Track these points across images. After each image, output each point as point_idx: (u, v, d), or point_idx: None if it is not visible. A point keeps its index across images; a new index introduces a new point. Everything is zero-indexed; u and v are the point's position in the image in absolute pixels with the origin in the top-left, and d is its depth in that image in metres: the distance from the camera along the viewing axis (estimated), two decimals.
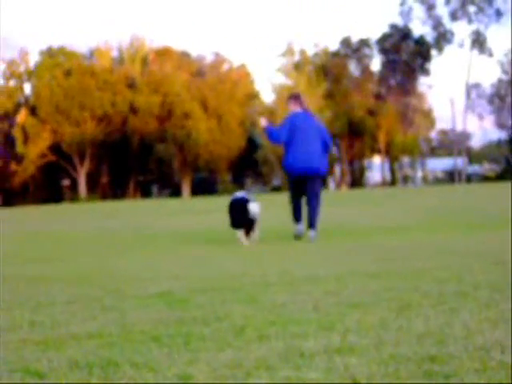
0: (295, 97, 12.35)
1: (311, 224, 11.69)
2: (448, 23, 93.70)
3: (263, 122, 12.27)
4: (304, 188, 11.90)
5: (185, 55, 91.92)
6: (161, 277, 6.80)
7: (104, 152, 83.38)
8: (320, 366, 3.14)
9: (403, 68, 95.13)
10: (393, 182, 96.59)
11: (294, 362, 3.22)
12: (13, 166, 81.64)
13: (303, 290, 5.40)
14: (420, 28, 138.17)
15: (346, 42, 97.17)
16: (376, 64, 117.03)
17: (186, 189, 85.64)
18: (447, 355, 3.20)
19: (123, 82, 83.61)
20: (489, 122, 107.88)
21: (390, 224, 14.79)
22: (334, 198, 40.58)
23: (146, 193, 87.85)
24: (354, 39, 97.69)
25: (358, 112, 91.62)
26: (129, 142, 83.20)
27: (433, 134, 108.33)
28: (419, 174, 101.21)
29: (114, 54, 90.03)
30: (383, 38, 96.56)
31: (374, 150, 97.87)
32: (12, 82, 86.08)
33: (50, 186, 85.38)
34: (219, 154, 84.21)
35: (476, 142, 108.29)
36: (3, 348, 3.82)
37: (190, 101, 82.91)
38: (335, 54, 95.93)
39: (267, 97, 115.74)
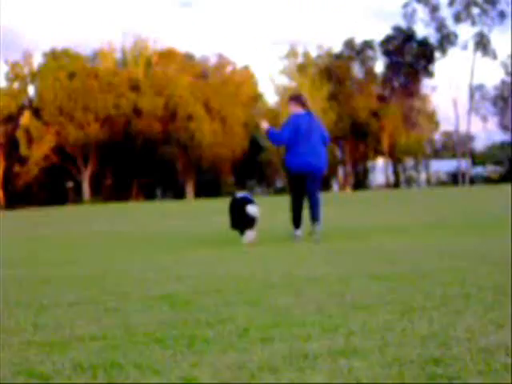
0: (295, 98, 12.37)
1: (315, 218, 11.75)
2: (452, 25, 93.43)
3: (264, 124, 12.31)
4: (304, 187, 11.92)
5: (188, 57, 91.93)
6: (164, 279, 6.80)
7: (108, 154, 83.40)
8: (324, 368, 3.14)
9: (407, 70, 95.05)
10: (396, 184, 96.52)
11: (297, 364, 3.22)
12: (16, 168, 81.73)
13: (307, 292, 5.40)
14: (423, 30, 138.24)
15: (349, 44, 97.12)
16: (379, 66, 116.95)
17: (189, 191, 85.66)
18: (451, 357, 3.20)
19: (127, 84, 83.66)
20: (492, 123, 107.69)
21: (393, 226, 14.78)
22: (337, 200, 40.56)
23: (149, 195, 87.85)
24: (358, 41, 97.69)
25: (362, 114, 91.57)
26: (132, 144, 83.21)
27: (436, 136, 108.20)
28: (423, 175, 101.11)
29: (118, 56, 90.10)
30: (387, 40, 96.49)
31: (378, 152, 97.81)
32: (16, 84, 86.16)
33: (53, 188, 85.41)
34: (223, 156, 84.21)
35: (479, 144, 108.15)
36: (7, 350, 3.83)
37: (193, 103, 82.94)
38: (339, 56, 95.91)
39: (271, 99, 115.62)
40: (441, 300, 4.73)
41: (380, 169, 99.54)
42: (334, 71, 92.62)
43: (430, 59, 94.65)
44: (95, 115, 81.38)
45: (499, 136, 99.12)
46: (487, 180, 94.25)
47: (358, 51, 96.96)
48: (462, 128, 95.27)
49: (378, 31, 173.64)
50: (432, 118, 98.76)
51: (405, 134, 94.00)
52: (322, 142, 12.07)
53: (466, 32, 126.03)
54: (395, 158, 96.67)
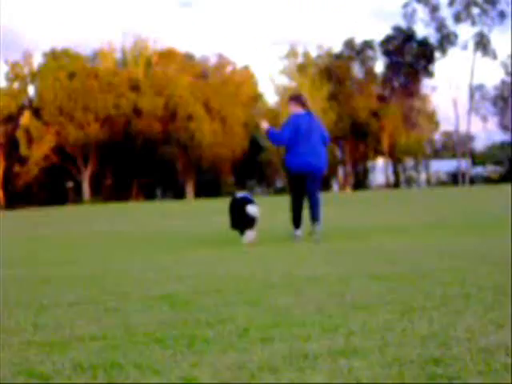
0: (295, 98, 12.39)
1: (315, 218, 11.77)
2: (452, 25, 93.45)
3: (264, 124, 12.33)
4: (304, 187, 11.93)
5: (188, 57, 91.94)
6: (164, 279, 6.80)
7: (108, 154, 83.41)
8: (324, 368, 3.14)
9: (407, 70, 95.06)
10: (396, 184, 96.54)
11: (297, 364, 3.22)
12: (16, 168, 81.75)
13: (307, 292, 5.40)
14: (423, 30, 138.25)
15: (349, 44, 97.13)
16: (379, 66, 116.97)
17: (189, 191, 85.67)
18: (451, 357, 3.20)
19: (127, 84, 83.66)
20: (492, 123, 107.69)
21: (393, 226, 14.78)
22: (337, 200, 40.56)
23: (149, 195, 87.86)
24: (358, 41, 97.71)
25: (362, 114, 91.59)
26: (132, 144, 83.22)
27: (436, 136, 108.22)
28: (423, 175, 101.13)
29: (118, 56, 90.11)
30: (387, 40, 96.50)
31: (378, 152, 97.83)
32: (16, 84, 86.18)
33: (53, 188, 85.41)
34: (223, 156, 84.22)
35: (479, 144, 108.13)
36: (7, 350, 3.83)
37: (193, 103, 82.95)
38: (339, 56, 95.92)
39: (271, 99, 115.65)
40: (441, 300, 4.74)
41: (380, 169, 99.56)
42: (334, 71, 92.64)
43: (430, 59, 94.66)
44: (95, 115, 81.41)
45: (499, 136, 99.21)
46: (487, 180, 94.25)
47: (358, 51, 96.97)
48: (462, 128, 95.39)
49: (377, 31, 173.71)
50: (432, 118, 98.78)
51: (405, 134, 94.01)
52: (322, 142, 12.09)
53: (466, 32, 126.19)
54: (395, 158, 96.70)
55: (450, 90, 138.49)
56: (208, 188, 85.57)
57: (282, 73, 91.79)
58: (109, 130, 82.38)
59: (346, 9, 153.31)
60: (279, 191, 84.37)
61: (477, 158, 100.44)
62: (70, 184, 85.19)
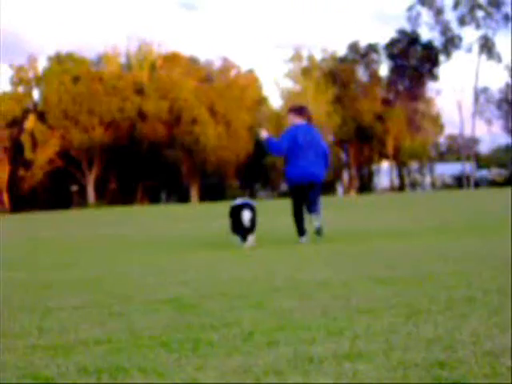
0: (296, 109, 12.45)
1: (314, 210, 11.89)
2: (456, 28, 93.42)
3: (264, 133, 12.41)
4: (305, 196, 12.05)
5: (193, 61, 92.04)
6: (169, 283, 6.80)
7: (112, 158, 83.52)
8: (329, 371, 3.14)
9: (411, 73, 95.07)
10: (401, 188, 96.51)
11: (302, 368, 3.22)
12: (21, 172, 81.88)
13: (311, 296, 5.40)
14: (428, 33, 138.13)
15: (353, 47, 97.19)
16: (384, 69, 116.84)
17: (194, 194, 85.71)
18: (456, 361, 3.19)
19: (131, 88, 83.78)
20: (497, 126, 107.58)
21: (397, 229, 14.78)
22: (342, 204, 40.56)
23: (154, 198, 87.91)
24: (362, 44, 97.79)
25: (366, 117, 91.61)
26: (137, 148, 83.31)
27: (441, 139, 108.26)
28: (427, 179, 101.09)
29: (122, 59, 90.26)
30: (391, 43, 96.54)
31: (383, 155, 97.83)
32: (21, 88, 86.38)
33: (58, 191, 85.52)
34: (227, 160, 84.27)
35: (484, 147, 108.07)
36: (12, 354, 3.83)
37: (198, 106, 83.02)
38: (343, 60, 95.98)
39: (275, 102, 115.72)
40: (446, 303, 4.73)
41: (385, 172, 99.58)
42: (339, 74, 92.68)
43: (434, 62, 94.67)
44: (100, 119, 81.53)
45: (504, 139, 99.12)
46: (492, 183, 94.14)
47: (362, 54, 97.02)
48: (467, 131, 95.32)
49: (382, 34, 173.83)
50: (437, 121, 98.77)
51: (409, 137, 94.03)
52: (321, 154, 12.16)
53: (470, 35, 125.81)
54: (400, 161, 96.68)
55: (455, 93, 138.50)
56: (213, 191, 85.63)
57: (287, 76, 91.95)
58: (113, 134, 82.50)
59: (350, 12, 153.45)
60: (283, 195, 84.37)
61: (481, 161, 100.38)
62: (75, 188, 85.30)
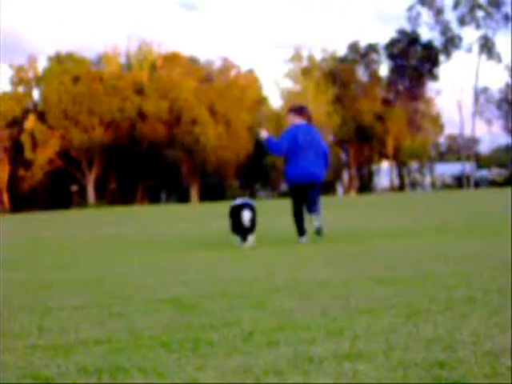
0: (296, 109, 12.48)
1: (314, 210, 11.94)
2: (456, 28, 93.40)
3: (264, 133, 12.44)
4: (305, 196, 12.07)
5: (193, 61, 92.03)
6: (169, 283, 6.80)
7: (112, 158, 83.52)
8: (329, 371, 3.14)
9: (411, 73, 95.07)
10: (401, 188, 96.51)
11: (302, 368, 3.22)
12: (21, 172, 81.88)
13: (311, 296, 5.40)
14: (428, 33, 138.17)
15: (353, 48, 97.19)
16: (384, 69, 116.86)
17: (194, 194, 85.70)
18: (456, 361, 3.19)
19: (131, 88, 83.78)
20: (497, 126, 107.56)
21: (397, 229, 14.78)
22: (342, 204, 40.55)
23: (154, 198, 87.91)
24: (362, 44, 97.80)
25: (366, 117, 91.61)
26: (137, 148, 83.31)
27: (441, 139, 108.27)
28: (427, 179, 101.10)
29: (122, 59, 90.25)
30: (391, 43, 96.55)
31: (383, 155, 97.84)
32: (20, 88, 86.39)
33: (58, 191, 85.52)
34: (227, 160, 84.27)
35: (484, 147, 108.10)
36: (12, 354, 3.83)
37: (198, 106, 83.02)
38: (343, 60, 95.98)
39: (275, 102, 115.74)
40: (446, 303, 4.73)
41: (385, 172, 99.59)
42: (339, 74, 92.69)
43: (434, 62, 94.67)
44: (100, 119, 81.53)
45: (504, 139, 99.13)
46: (492, 183, 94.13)
47: (362, 54, 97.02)
48: (467, 131, 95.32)
49: (382, 34, 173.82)
50: (437, 121, 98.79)
51: (409, 137, 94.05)
52: (321, 154, 12.17)
53: (470, 35, 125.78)
54: (400, 161, 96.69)
55: (455, 93, 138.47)
56: (213, 192, 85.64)
57: (287, 76, 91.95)
58: (113, 134, 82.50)
59: (350, 12, 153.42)
60: (284, 195, 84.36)
61: (481, 161, 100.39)
62: (75, 188, 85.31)
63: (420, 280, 6.01)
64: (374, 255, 8.83)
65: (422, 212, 24.64)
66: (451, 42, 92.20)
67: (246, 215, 11.47)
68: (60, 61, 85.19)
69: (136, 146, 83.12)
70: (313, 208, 12.06)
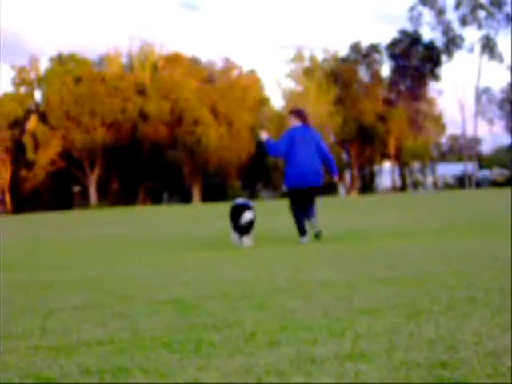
0: (295, 112, 12.59)
1: (311, 214, 12.07)
2: (458, 28, 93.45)
3: (264, 135, 12.53)
4: (303, 198, 12.16)
5: (194, 61, 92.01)
6: (171, 283, 6.80)
7: (114, 158, 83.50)
8: (331, 371, 3.14)
9: (413, 73, 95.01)
10: (403, 188, 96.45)
11: (304, 368, 3.22)
12: (23, 173, 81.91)
13: (313, 296, 5.40)
14: (430, 33, 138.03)
15: (355, 48, 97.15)
16: (386, 69, 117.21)
17: (196, 194, 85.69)
18: (458, 361, 3.20)
19: (133, 89, 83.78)
20: (499, 126, 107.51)
21: (399, 229, 14.76)
22: (343, 204, 40.54)
23: (156, 199, 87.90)
24: (364, 45, 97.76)
25: (368, 117, 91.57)
26: (139, 149, 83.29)
27: (443, 140, 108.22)
28: (429, 179, 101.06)
29: (124, 60, 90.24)
30: (393, 44, 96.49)
31: (384, 156, 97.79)
32: (22, 89, 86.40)
33: (60, 192, 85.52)
34: (229, 160, 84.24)
35: (486, 147, 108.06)
36: (14, 354, 3.83)
37: (199, 107, 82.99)
38: (345, 60, 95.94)
39: (277, 102, 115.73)
40: (447, 304, 4.73)
41: (387, 172, 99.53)
42: (341, 75, 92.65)
43: (436, 62, 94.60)
44: (102, 120, 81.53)
45: (506, 139, 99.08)
46: (493, 183, 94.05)
47: (364, 55, 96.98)
48: (469, 131, 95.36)
49: (384, 35, 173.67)
50: (438, 122, 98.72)
51: (411, 137, 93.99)
52: (319, 156, 12.23)
53: (472, 35, 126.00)
54: (402, 161, 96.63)
55: (457, 94, 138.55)
56: (214, 192, 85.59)
57: (289, 76, 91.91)
58: (115, 135, 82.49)
59: (352, 12, 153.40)
60: (285, 195, 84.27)
61: (483, 162, 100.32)
62: (77, 188, 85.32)
63: (422, 280, 6.01)
64: (376, 255, 8.82)
65: (424, 212, 24.62)
66: (453, 42, 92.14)
67: (247, 215, 11.55)
68: (62, 61, 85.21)
69: (138, 146, 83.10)
70: (310, 213, 12.17)
